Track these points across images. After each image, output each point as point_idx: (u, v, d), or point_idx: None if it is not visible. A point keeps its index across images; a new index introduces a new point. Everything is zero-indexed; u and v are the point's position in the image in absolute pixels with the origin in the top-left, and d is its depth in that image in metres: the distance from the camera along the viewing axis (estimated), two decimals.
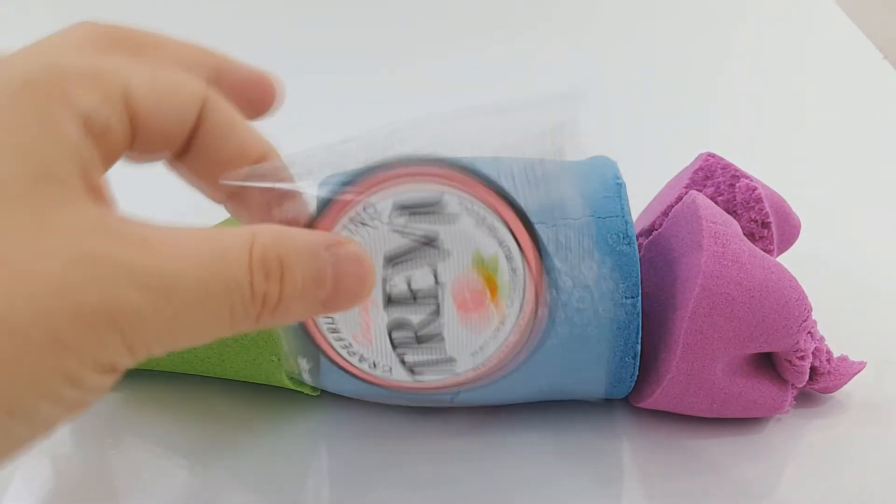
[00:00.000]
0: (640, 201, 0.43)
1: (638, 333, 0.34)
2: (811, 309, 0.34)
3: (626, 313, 0.33)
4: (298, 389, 0.37)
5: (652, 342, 0.36)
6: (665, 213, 0.39)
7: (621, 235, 0.33)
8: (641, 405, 0.37)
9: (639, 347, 0.34)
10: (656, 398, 0.35)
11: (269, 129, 0.26)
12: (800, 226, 0.40)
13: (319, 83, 0.67)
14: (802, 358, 0.35)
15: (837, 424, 0.37)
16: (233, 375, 0.38)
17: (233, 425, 0.38)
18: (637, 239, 0.39)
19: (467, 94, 0.66)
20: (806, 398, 0.38)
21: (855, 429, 0.37)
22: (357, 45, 0.73)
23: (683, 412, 0.37)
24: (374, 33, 0.75)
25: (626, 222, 0.34)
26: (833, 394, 0.38)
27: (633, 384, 0.35)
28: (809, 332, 0.36)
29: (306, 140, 0.27)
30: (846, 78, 0.67)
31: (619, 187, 0.35)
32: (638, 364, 0.34)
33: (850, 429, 0.37)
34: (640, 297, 0.33)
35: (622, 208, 0.34)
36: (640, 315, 0.33)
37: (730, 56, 0.71)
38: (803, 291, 0.34)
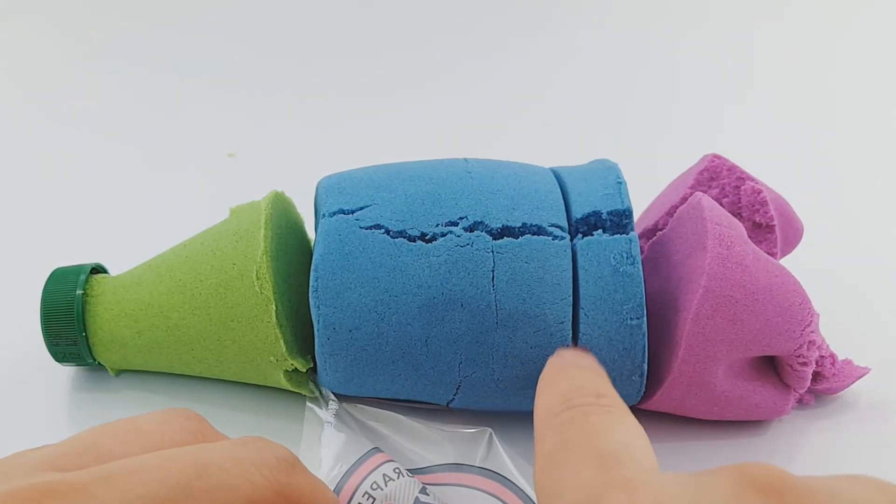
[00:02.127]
0: (641, 204, 0.43)
1: (644, 353, 0.33)
2: (814, 314, 0.34)
3: (631, 334, 0.33)
4: (296, 390, 0.37)
5: (653, 344, 0.35)
6: (669, 214, 0.39)
7: (625, 255, 0.33)
8: (641, 406, 0.36)
9: (646, 366, 0.34)
10: (657, 400, 0.35)
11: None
12: (802, 229, 0.40)
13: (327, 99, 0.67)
14: (805, 364, 0.35)
15: (840, 425, 0.37)
16: (231, 377, 0.37)
17: (230, 426, 0.37)
18: (639, 239, 0.39)
19: (472, 97, 0.66)
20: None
21: (858, 429, 0.37)
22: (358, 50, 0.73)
23: (684, 414, 0.37)
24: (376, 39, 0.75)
25: (631, 241, 0.33)
26: (835, 394, 0.38)
27: (640, 398, 0.35)
28: (813, 339, 0.36)
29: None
30: (849, 81, 0.68)
31: (619, 185, 0.35)
32: (645, 381, 0.34)
33: (854, 430, 0.37)
34: (644, 318, 0.33)
35: (622, 201, 0.34)
36: (646, 335, 0.33)
37: (732, 58, 0.71)
38: (807, 296, 0.34)
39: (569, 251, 0.33)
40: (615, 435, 0.20)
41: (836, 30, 0.74)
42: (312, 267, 0.33)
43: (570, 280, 0.33)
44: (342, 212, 0.34)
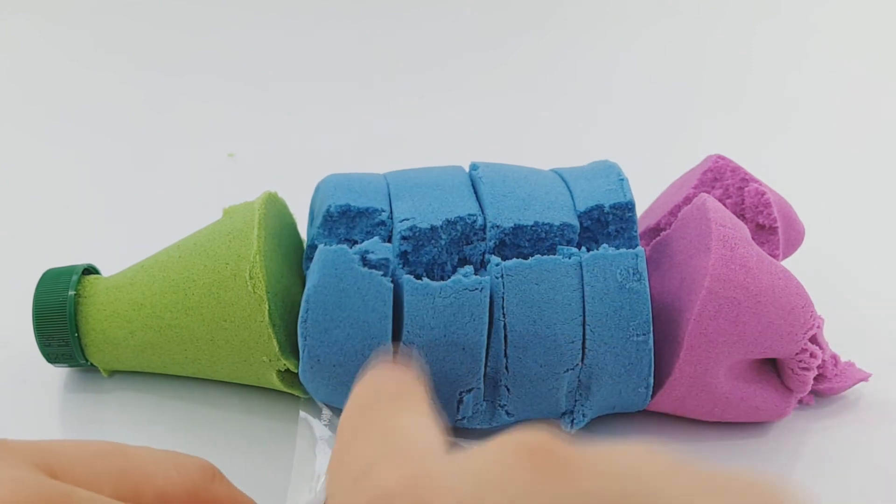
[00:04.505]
0: (642, 205, 0.42)
1: (650, 367, 0.33)
2: (818, 319, 0.34)
3: (637, 350, 0.33)
4: (289, 391, 0.36)
5: (655, 344, 0.35)
6: (672, 213, 0.39)
7: (631, 271, 0.33)
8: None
9: (651, 379, 0.34)
10: (658, 400, 0.35)
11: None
12: (804, 232, 0.40)
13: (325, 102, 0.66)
14: (807, 369, 0.35)
15: (843, 426, 0.37)
16: (224, 377, 0.37)
17: (224, 427, 0.37)
18: (641, 239, 0.39)
19: (473, 98, 0.66)
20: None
21: (861, 430, 0.37)
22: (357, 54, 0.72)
23: (685, 415, 0.36)
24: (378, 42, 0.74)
25: (637, 255, 0.33)
26: (836, 395, 0.39)
27: (645, 406, 0.35)
28: (817, 343, 0.36)
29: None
30: (852, 84, 0.67)
31: (621, 182, 0.36)
32: (651, 392, 0.34)
33: (857, 431, 0.37)
34: (651, 334, 0.33)
35: (625, 195, 0.35)
36: (652, 351, 0.33)
37: (735, 59, 0.71)
38: (810, 299, 0.34)
39: (579, 270, 0.33)
40: (404, 418, 0.21)
41: (839, 33, 0.74)
42: (304, 297, 0.32)
43: (581, 300, 0.33)
44: (347, 211, 0.34)
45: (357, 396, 0.23)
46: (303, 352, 0.33)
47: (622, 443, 0.17)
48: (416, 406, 0.22)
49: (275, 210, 0.37)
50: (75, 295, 0.36)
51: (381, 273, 0.32)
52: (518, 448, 0.17)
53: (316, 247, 0.35)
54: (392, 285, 0.32)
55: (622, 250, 0.33)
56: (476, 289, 0.32)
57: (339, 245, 0.32)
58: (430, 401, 0.23)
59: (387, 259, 0.32)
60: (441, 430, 0.21)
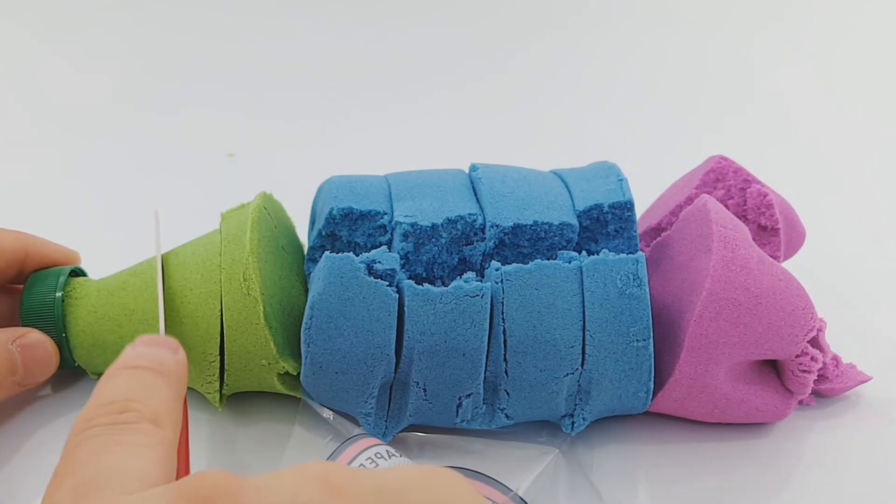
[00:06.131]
0: (642, 206, 0.42)
1: (650, 373, 0.33)
2: (817, 319, 0.34)
3: (637, 355, 0.33)
4: (291, 394, 0.36)
5: (656, 345, 0.35)
6: (674, 213, 0.39)
7: (632, 277, 0.33)
8: None
9: (651, 384, 0.34)
10: (657, 401, 0.35)
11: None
12: (805, 233, 0.40)
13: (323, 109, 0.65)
14: (807, 371, 0.35)
15: (844, 427, 0.38)
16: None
17: (216, 429, 0.37)
18: (642, 239, 0.39)
19: (474, 97, 0.65)
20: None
21: (862, 431, 0.37)
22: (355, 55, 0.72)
23: (684, 416, 0.36)
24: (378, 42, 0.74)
25: (637, 261, 0.33)
26: (837, 395, 0.39)
27: (645, 410, 0.35)
28: (818, 345, 0.36)
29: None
30: (853, 85, 0.67)
31: (620, 182, 0.36)
32: (650, 397, 0.34)
33: (858, 431, 0.37)
34: (651, 339, 0.33)
35: (624, 194, 0.35)
36: (653, 356, 0.33)
37: (737, 60, 0.71)
38: (810, 301, 0.34)
39: (579, 275, 0.33)
40: (111, 458, 0.21)
41: (840, 35, 0.74)
42: (308, 303, 0.32)
43: (581, 305, 0.32)
44: (350, 214, 0.34)
45: (88, 406, 0.22)
46: (305, 358, 0.33)
47: (288, 471, 0.19)
48: (137, 430, 0.22)
49: (271, 211, 0.36)
50: (63, 296, 0.36)
51: (387, 283, 0.32)
52: (185, 498, 0.18)
53: (318, 249, 0.35)
54: (397, 296, 0.32)
55: (622, 255, 0.33)
56: (477, 295, 0.32)
57: (345, 253, 0.32)
58: (169, 407, 0.23)
59: (393, 269, 0.32)
60: (162, 459, 0.21)
